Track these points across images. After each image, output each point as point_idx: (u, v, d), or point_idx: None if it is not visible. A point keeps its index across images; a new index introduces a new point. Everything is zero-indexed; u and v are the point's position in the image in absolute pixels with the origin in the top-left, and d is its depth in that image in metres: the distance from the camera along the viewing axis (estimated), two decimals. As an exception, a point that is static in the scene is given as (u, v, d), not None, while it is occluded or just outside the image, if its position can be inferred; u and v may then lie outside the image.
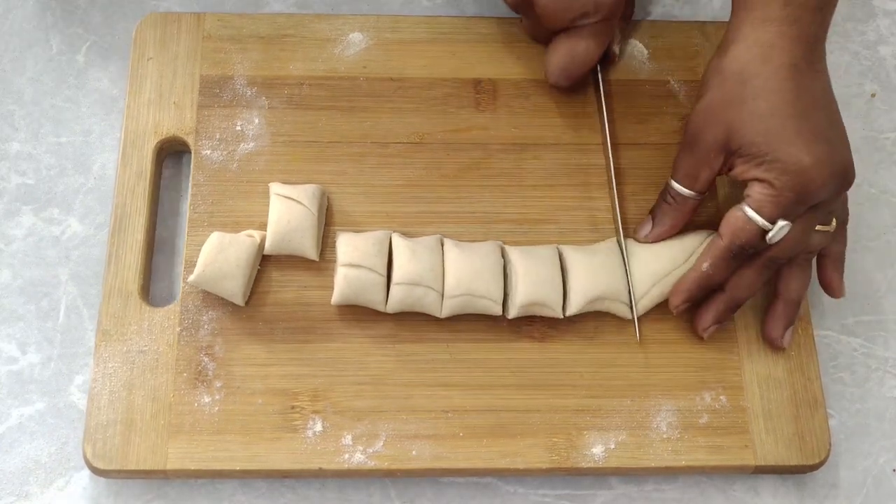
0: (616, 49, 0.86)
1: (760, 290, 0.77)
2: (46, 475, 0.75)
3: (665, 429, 0.75)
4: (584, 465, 0.74)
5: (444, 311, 0.76)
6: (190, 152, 0.82)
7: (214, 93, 0.84)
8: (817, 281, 0.81)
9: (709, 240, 0.77)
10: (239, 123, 0.83)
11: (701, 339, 0.78)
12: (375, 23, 0.87)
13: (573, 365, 0.77)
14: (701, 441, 0.75)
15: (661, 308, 0.78)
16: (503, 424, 0.75)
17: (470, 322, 0.77)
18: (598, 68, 0.85)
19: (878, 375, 0.81)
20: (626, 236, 0.80)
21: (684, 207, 0.78)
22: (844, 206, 0.77)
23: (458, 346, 0.77)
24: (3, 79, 0.87)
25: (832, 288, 0.79)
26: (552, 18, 0.81)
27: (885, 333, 0.82)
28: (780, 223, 0.72)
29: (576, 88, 0.85)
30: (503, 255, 0.78)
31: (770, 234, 0.72)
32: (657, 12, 0.93)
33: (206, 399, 0.74)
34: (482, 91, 0.85)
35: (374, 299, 0.75)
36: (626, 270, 0.78)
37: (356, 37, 0.86)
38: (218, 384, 0.75)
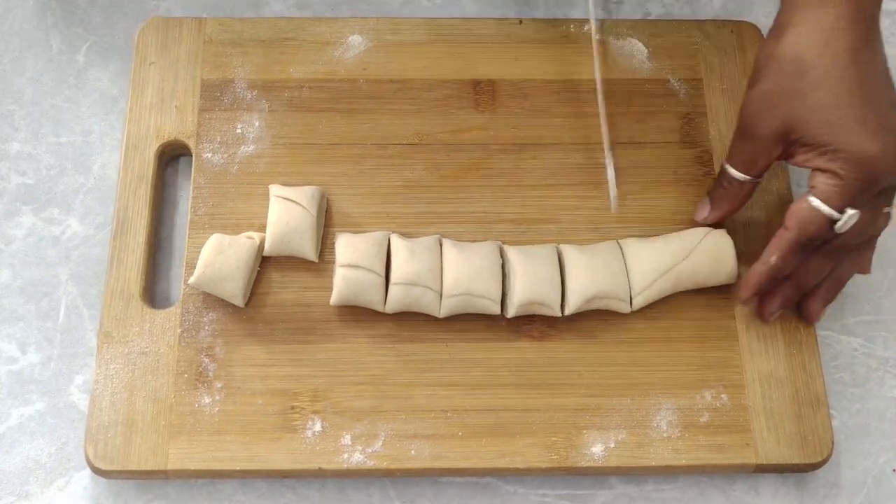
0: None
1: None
2: (46, 475, 0.75)
3: (665, 428, 0.75)
4: (583, 464, 0.74)
5: (443, 311, 0.76)
6: (191, 155, 0.83)
7: (215, 96, 0.84)
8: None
9: (705, 237, 0.77)
10: (239, 126, 0.83)
11: (766, 322, 0.78)
12: (375, 25, 0.88)
13: (572, 364, 0.77)
14: (702, 440, 0.75)
15: (660, 306, 0.78)
16: (502, 424, 0.75)
17: (469, 322, 0.77)
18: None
19: (878, 375, 0.81)
20: (624, 236, 0.80)
21: (741, 191, 0.78)
22: None
23: (458, 346, 0.77)
24: (3, 79, 0.87)
25: (863, 265, 0.79)
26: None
27: (885, 333, 0.82)
28: (849, 212, 0.71)
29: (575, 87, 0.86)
30: (502, 254, 0.78)
31: (839, 224, 0.71)
32: (657, 11, 0.93)
33: (207, 400, 0.75)
34: (481, 92, 0.85)
35: (373, 299, 0.76)
36: (624, 267, 0.78)
37: (356, 39, 0.87)
38: (218, 385, 0.75)
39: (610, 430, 0.75)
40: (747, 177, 0.76)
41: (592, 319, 0.78)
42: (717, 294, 0.79)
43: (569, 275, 0.76)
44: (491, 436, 0.74)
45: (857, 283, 0.83)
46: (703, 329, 0.78)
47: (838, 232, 0.72)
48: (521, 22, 0.88)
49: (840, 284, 0.79)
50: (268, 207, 0.78)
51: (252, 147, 0.83)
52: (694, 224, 0.81)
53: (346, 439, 0.74)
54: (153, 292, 0.80)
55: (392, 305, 0.76)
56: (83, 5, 0.91)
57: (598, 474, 0.76)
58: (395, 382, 0.76)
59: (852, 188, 0.70)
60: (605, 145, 0.81)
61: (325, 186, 0.81)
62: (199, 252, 0.76)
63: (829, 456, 0.75)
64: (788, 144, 0.73)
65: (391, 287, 0.75)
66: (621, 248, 0.78)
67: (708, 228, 0.79)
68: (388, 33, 0.87)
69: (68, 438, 0.76)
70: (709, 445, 0.75)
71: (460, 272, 0.75)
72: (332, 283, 0.77)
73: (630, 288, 0.77)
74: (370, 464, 0.73)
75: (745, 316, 0.79)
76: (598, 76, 0.82)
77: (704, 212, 0.80)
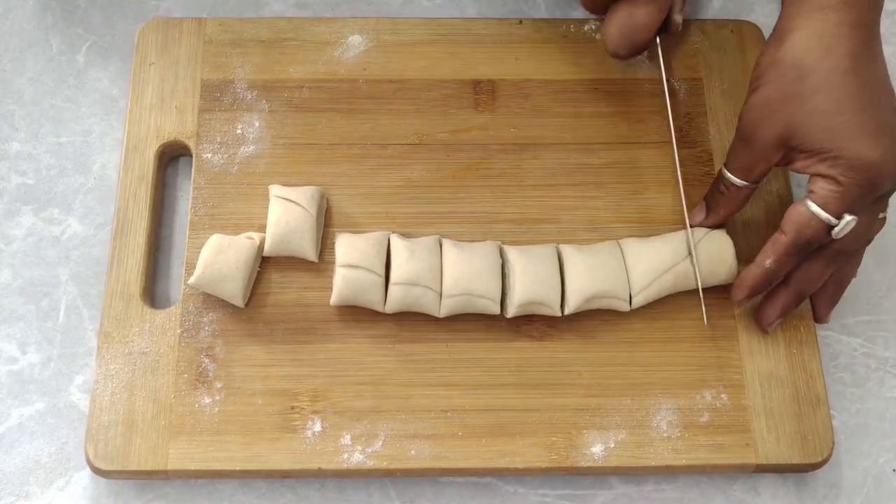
0: (678, 18, 0.83)
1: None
2: (46, 475, 0.75)
3: (665, 428, 0.75)
4: (583, 464, 0.74)
5: (443, 311, 0.76)
6: (191, 156, 0.83)
7: (215, 96, 0.84)
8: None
9: (704, 236, 0.78)
10: (239, 127, 0.83)
11: (765, 332, 0.78)
12: (375, 25, 0.88)
13: (572, 364, 0.77)
14: (702, 440, 0.75)
15: (660, 306, 0.78)
16: (502, 424, 0.75)
17: (469, 322, 0.77)
18: (658, 40, 0.83)
19: (878, 375, 0.81)
20: (624, 236, 0.80)
21: (738, 196, 0.77)
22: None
23: (457, 346, 0.77)
24: (3, 79, 0.87)
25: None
26: None
27: (885, 333, 0.82)
28: (847, 218, 0.71)
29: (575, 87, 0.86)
30: (501, 254, 0.78)
31: (836, 230, 0.71)
32: (656, 12, 0.93)
33: (207, 400, 0.75)
34: (481, 92, 0.85)
35: (373, 300, 0.76)
36: (624, 266, 0.77)
37: (356, 39, 0.87)
38: (218, 385, 0.75)
39: (610, 430, 0.75)
40: (745, 182, 0.76)
41: (592, 319, 0.78)
42: (717, 294, 0.79)
43: (568, 274, 0.76)
44: (491, 436, 0.74)
45: (857, 283, 0.82)
46: (703, 329, 0.78)
47: (835, 237, 0.72)
48: (521, 22, 0.88)
49: (842, 287, 0.79)
50: (267, 208, 0.78)
51: (252, 147, 0.83)
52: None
53: (346, 439, 0.74)
54: (153, 292, 0.80)
55: (392, 305, 0.76)
56: (83, 5, 0.91)
57: (598, 474, 0.76)
58: (395, 382, 0.76)
59: (852, 194, 0.70)
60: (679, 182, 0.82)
61: (324, 186, 0.81)
62: (199, 252, 0.76)
63: (830, 456, 0.75)
64: (788, 150, 0.73)
65: (391, 287, 0.75)
66: (621, 248, 0.78)
67: (707, 228, 0.79)
68: (388, 33, 0.87)
69: (68, 438, 0.76)
70: (709, 445, 0.75)
71: (460, 272, 0.75)
72: (331, 283, 0.77)
73: (630, 287, 0.77)
74: (370, 464, 0.73)
75: (746, 316, 0.79)
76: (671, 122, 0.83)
77: (700, 216, 0.79)
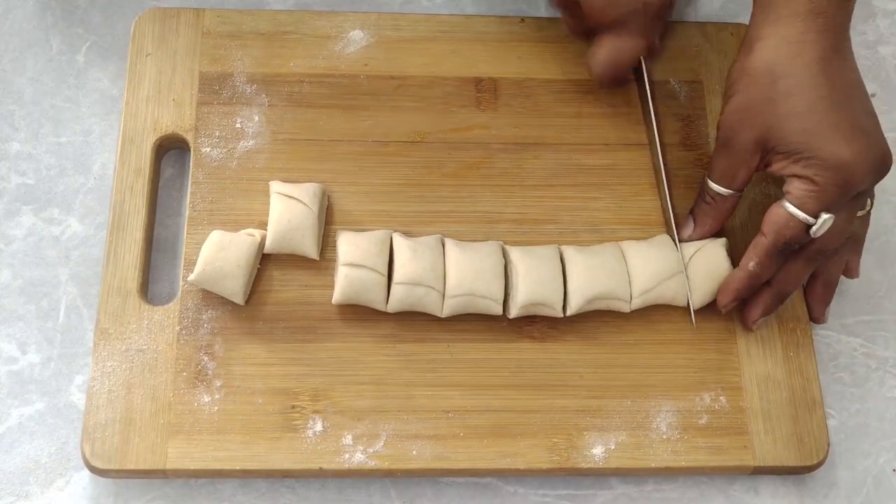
0: (658, 42, 0.84)
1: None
2: (46, 475, 0.75)
3: (665, 429, 0.75)
4: (584, 465, 0.74)
5: (445, 311, 0.76)
6: (189, 149, 0.82)
7: (214, 90, 0.84)
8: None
9: (693, 248, 0.78)
10: (239, 121, 0.83)
11: (749, 330, 0.79)
12: (376, 20, 0.87)
13: (574, 365, 0.77)
14: (700, 441, 0.75)
15: (661, 309, 0.78)
16: (503, 424, 0.75)
17: (471, 322, 0.77)
18: (643, 62, 0.83)
19: (878, 375, 0.81)
20: (625, 237, 0.81)
21: (724, 206, 0.78)
22: (872, 188, 0.77)
23: (459, 346, 0.77)
24: (3, 79, 0.87)
25: (850, 269, 0.81)
26: (599, 15, 0.80)
27: (885, 333, 0.82)
28: (824, 216, 0.72)
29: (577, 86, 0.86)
30: (504, 254, 0.78)
31: (814, 229, 0.72)
32: (657, 12, 0.93)
33: (206, 398, 0.74)
34: (483, 90, 0.85)
35: (375, 299, 0.75)
36: (625, 268, 0.77)
37: (357, 34, 0.86)
38: (218, 383, 0.75)
39: (610, 431, 0.75)
40: (729, 191, 0.77)
41: (594, 321, 0.78)
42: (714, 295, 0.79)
43: (570, 275, 0.76)
44: (492, 436, 0.74)
45: (857, 283, 0.83)
46: (702, 331, 0.78)
47: (814, 236, 0.73)
48: (523, 20, 0.88)
49: (831, 286, 0.80)
50: (267, 204, 0.78)
51: (251, 142, 0.82)
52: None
53: (347, 439, 0.74)
54: (151, 289, 0.79)
55: (394, 305, 0.75)
56: (83, 5, 0.90)
57: (599, 475, 0.76)
58: (397, 382, 0.76)
59: (828, 193, 0.71)
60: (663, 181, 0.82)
61: (325, 183, 0.80)
62: (198, 248, 0.76)
63: (825, 458, 0.75)
64: (766, 153, 0.74)
65: (394, 286, 0.75)
66: (622, 250, 0.78)
67: (699, 242, 0.79)
68: (390, 29, 0.87)
69: (68, 438, 0.76)
70: (707, 447, 0.75)
71: (463, 272, 0.75)
72: (333, 281, 0.77)
73: (631, 289, 0.77)
74: (371, 464, 0.73)
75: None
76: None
77: (689, 229, 0.80)
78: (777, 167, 0.74)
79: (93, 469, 0.73)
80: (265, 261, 0.78)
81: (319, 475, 0.74)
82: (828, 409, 0.78)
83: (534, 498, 0.76)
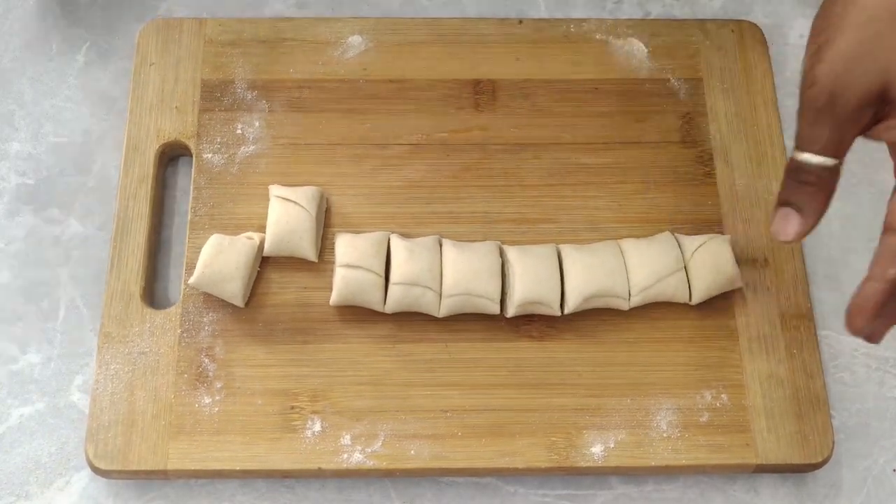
0: None
1: None
2: (46, 475, 0.75)
3: (665, 427, 0.75)
4: (583, 464, 0.74)
5: (443, 311, 0.76)
6: (191, 156, 0.83)
7: (215, 97, 0.84)
8: (817, 282, 0.81)
9: (696, 243, 0.77)
10: (239, 127, 0.83)
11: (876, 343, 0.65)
12: (375, 25, 0.88)
13: (572, 364, 0.77)
14: (701, 440, 0.75)
15: (660, 306, 0.78)
16: (502, 424, 0.75)
17: (469, 322, 0.77)
18: None
19: (878, 375, 0.81)
20: (624, 236, 0.80)
21: (831, 181, 0.63)
22: None
23: (457, 346, 0.77)
24: (3, 79, 0.87)
25: None
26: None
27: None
28: None
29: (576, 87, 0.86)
30: (501, 254, 0.78)
31: None
32: (657, 11, 0.93)
33: (207, 400, 0.75)
34: (481, 92, 0.85)
35: (373, 299, 0.76)
36: (624, 265, 0.77)
37: (356, 39, 0.87)
38: (218, 385, 0.75)
39: (610, 430, 0.75)
40: (835, 160, 0.62)
41: (592, 319, 0.78)
42: (716, 294, 0.79)
43: (568, 274, 0.76)
44: (491, 436, 0.74)
45: (857, 283, 0.82)
46: (703, 329, 0.78)
47: None
48: (521, 22, 0.88)
49: None
50: (268, 208, 0.78)
51: (252, 147, 0.83)
52: (699, 231, 0.80)
53: (346, 439, 0.74)
54: (153, 292, 0.80)
55: (392, 305, 0.76)
56: (83, 5, 0.91)
57: (598, 474, 0.76)
58: (395, 382, 0.76)
59: None
60: None
61: (324, 187, 0.81)
62: (199, 252, 0.76)
63: (830, 456, 0.75)
64: (882, 107, 0.61)
65: (391, 287, 0.75)
66: (621, 248, 0.78)
67: (705, 236, 0.79)
68: (388, 33, 0.87)
69: (68, 438, 0.76)
70: (709, 445, 0.74)
71: (460, 272, 0.75)
72: (331, 283, 0.77)
73: (629, 286, 0.77)
74: (370, 464, 0.73)
75: (745, 315, 0.79)
76: None
77: (793, 226, 0.63)
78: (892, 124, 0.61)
79: (96, 470, 0.73)
80: (264, 264, 0.79)
81: (318, 475, 0.74)
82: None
83: (534, 498, 0.76)
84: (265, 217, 0.78)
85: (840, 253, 0.84)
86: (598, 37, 0.88)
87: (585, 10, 0.93)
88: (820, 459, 0.75)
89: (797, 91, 0.64)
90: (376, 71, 0.86)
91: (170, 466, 0.73)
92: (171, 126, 0.83)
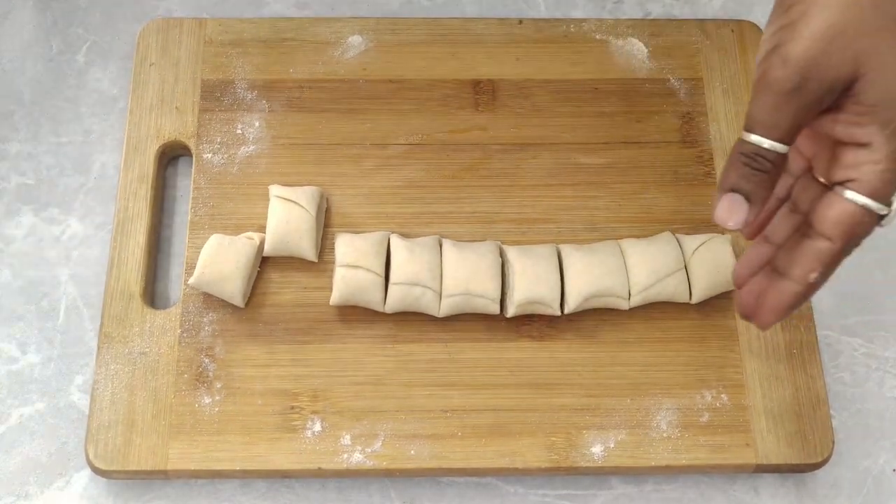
0: None
1: None
2: (46, 475, 0.75)
3: (665, 427, 0.75)
4: (583, 464, 0.74)
5: (442, 311, 0.76)
6: (191, 156, 0.83)
7: (215, 97, 0.84)
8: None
9: (696, 242, 0.77)
10: (239, 127, 0.83)
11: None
12: (374, 25, 0.88)
13: (572, 364, 0.77)
14: (702, 440, 0.75)
15: (660, 306, 0.78)
16: (502, 424, 0.75)
17: (469, 322, 0.77)
18: None
19: (878, 375, 0.81)
20: (624, 236, 0.80)
21: (781, 170, 0.58)
22: None
23: (457, 346, 0.77)
24: (3, 79, 0.87)
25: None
26: None
27: (885, 333, 0.82)
28: None
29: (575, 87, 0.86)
30: (501, 254, 0.78)
31: (888, 218, 0.57)
32: (657, 11, 0.93)
33: (207, 400, 0.75)
34: (481, 91, 0.85)
35: (373, 299, 0.76)
36: (623, 264, 0.77)
37: (355, 39, 0.87)
38: (218, 385, 0.75)
39: (610, 430, 0.75)
40: (786, 147, 0.57)
41: (592, 319, 0.78)
42: (716, 294, 0.79)
43: (568, 273, 0.76)
44: (490, 436, 0.74)
45: (857, 283, 0.83)
46: (703, 329, 0.78)
47: (882, 227, 0.59)
48: (521, 22, 0.88)
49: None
50: (268, 208, 0.78)
51: (252, 147, 0.83)
52: (698, 231, 0.80)
53: (346, 439, 0.74)
54: (153, 293, 0.80)
55: (392, 305, 0.76)
56: (83, 5, 0.91)
57: (598, 474, 0.76)
58: (395, 382, 0.76)
59: None
60: None
61: (324, 187, 0.81)
62: (199, 252, 0.76)
63: (830, 456, 0.75)
64: (839, 99, 0.57)
65: (391, 287, 0.75)
66: (621, 248, 0.78)
67: (705, 235, 0.79)
68: (388, 33, 0.87)
69: (68, 438, 0.76)
70: (709, 445, 0.75)
71: (459, 272, 0.75)
72: (331, 283, 0.77)
73: (629, 286, 0.77)
74: (370, 464, 0.73)
75: (746, 315, 0.79)
76: None
77: (742, 213, 0.58)
78: (846, 120, 0.56)
79: (96, 470, 0.73)
80: (264, 264, 0.79)
81: (318, 475, 0.74)
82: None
83: (534, 498, 0.76)
84: (265, 217, 0.78)
85: (840, 253, 0.84)
86: (598, 37, 0.88)
87: (585, 10, 0.93)
88: (820, 459, 0.75)
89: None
90: (376, 71, 0.86)
91: (170, 466, 0.73)
92: (171, 126, 0.83)
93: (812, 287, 0.60)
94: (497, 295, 0.76)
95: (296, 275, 0.79)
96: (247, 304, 0.78)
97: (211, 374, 0.75)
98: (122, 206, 0.80)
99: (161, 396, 0.75)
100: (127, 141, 0.83)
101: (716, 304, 0.78)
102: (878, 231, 0.83)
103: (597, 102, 0.85)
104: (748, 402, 0.76)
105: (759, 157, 0.57)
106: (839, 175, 0.58)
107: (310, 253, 0.78)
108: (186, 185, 0.83)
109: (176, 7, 0.92)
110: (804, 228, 0.59)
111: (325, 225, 0.80)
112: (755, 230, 0.65)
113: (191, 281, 0.76)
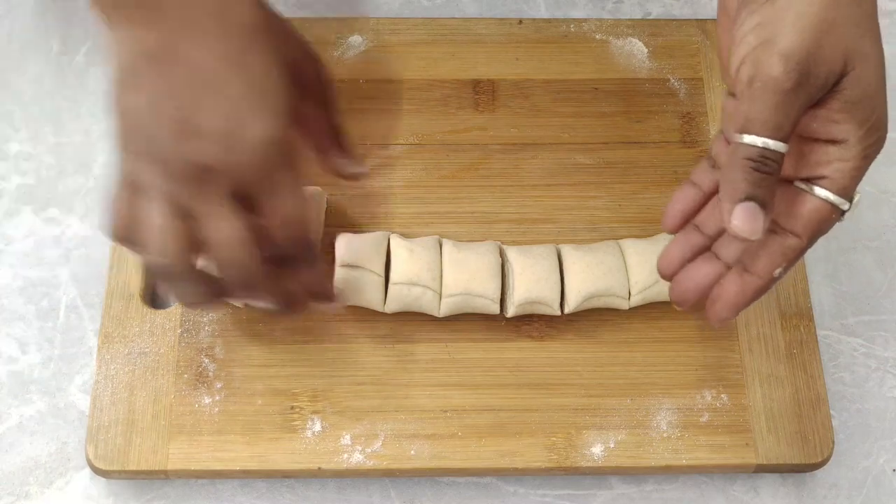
0: None
1: None
2: (46, 475, 0.75)
3: (665, 427, 0.75)
4: (583, 464, 0.74)
5: (442, 311, 0.76)
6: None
7: (216, 96, 0.84)
8: (817, 282, 0.81)
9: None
10: (240, 126, 0.83)
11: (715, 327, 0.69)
12: (375, 25, 0.88)
13: (572, 364, 0.77)
14: (702, 440, 0.75)
15: (660, 306, 0.78)
16: (502, 424, 0.75)
17: (469, 322, 0.77)
18: None
19: (878, 375, 0.81)
20: (624, 236, 0.80)
21: (779, 172, 0.56)
22: None
23: (457, 346, 0.77)
24: (3, 79, 0.87)
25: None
26: None
27: (885, 333, 0.82)
28: (858, 195, 0.57)
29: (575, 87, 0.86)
30: (501, 254, 0.78)
31: (849, 213, 0.58)
32: (657, 11, 0.93)
33: (207, 400, 0.75)
34: (481, 91, 0.85)
35: (373, 299, 0.75)
36: (623, 264, 0.77)
37: (356, 39, 0.87)
38: (218, 385, 0.75)
39: (610, 430, 0.75)
40: (787, 146, 0.55)
41: (592, 319, 0.78)
42: (717, 294, 0.79)
43: (568, 273, 0.76)
44: (490, 436, 0.74)
45: (857, 283, 0.83)
46: (703, 329, 0.78)
47: (841, 221, 0.59)
48: (520, 22, 0.88)
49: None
50: (267, 208, 0.78)
51: (252, 147, 0.83)
52: None
53: (346, 439, 0.74)
54: (153, 292, 0.80)
55: (391, 305, 0.76)
56: (83, 5, 0.91)
57: (598, 474, 0.76)
58: (395, 382, 0.76)
59: (866, 167, 0.56)
60: None
61: (325, 187, 0.80)
62: (199, 252, 0.76)
63: (830, 456, 0.75)
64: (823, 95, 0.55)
65: (391, 287, 0.75)
66: (621, 248, 0.78)
67: None
68: (388, 33, 0.87)
69: (68, 438, 0.76)
70: (709, 445, 0.74)
71: (459, 272, 0.75)
72: (331, 283, 0.77)
73: (629, 285, 0.77)
74: (370, 464, 0.73)
75: (745, 315, 0.79)
76: None
77: (761, 221, 0.55)
78: (824, 117, 0.55)
79: (96, 470, 0.73)
80: (265, 263, 0.79)
81: (318, 475, 0.74)
82: (828, 408, 0.78)
83: (534, 498, 0.76)
84: (265, 217, 0.78)
85: (840, 253, 0.84)
86: (598, 37, 0.88)
87: (585, 10, 0.93)
88: (820, 459, 0.75)
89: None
90: (376, 71, 0.86)
91: (170, 467, 0.72)
92: (171, 126, 0.83)
93: (774, 281, 0.60)
94: (497, 295, 0.76)
95: (296, 275, 0.79)
96: (246, 304, 0.77)
97: (211, 374, 0.75)
98: (123, 205, 0.80)
99: (161, 396, 0.75)
100: (127, 141, 0.82)
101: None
102: (878, 231, 0.84)
103: (596, 102, 0.85)
104: (748, 402, 0.76)
105: (768, 160, 0.55)
106: (808, 171, 0.57)
107: (310, 253, 0.78)
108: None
109: (176, 7, 0.91)
110: (771, 224, 0.58)
111: (325, 225, 0.80)
112: (679, 224, 0.65)
113: (191, 281, 0.76)
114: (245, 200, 0.59)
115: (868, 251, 0.84)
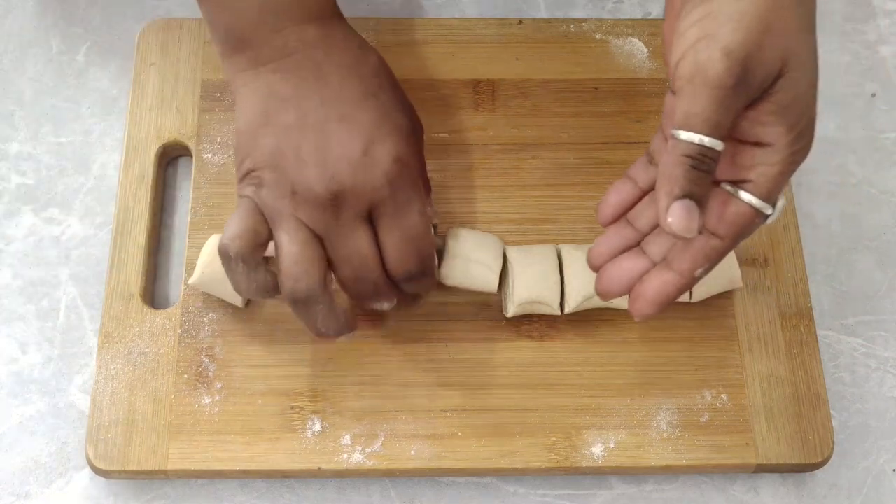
0: None
1: None
2: (46, 475, 0.75)
3: (665, 427, 0.75)
4: (583, 464, 0.74)
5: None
6: (191, 156, 0.83)
7: (216, 97, 0.84)
8: (817, 282, 0.81)
9: None
10: (240, 127, 0.83)
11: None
12: (374, 25, 0.88)
13: (572, 364, 0.77)
14: (702, 440, 0.75)
15: (660, 307, 0.78)
16: (502, 424, 0.75)
17: (469, 322, 0.77)
18: None
19: (878, 375, 0.81)
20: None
21: (715, 171, 0.56)
22: None
23: (457, 346, 0.77)
24: (3, 79, 0.87)
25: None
26: None
27: (885, 333, 0.82)
28: (782, 201, 0.58)
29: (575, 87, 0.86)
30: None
31: (772, 218, 0.58)
32: (657, 11, 0.93)
33: (207, 400, 0.75)
34: (481, 91, 0.85)
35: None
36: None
37: (356, 39, 0.87)
38: (218, 385, 0.75)
39: (610, 430, 0.75)
40: (723, 144, 0.55)
41: (592, 319, 0.78)
42: (716, 294, 0.79)
43: (568, 273, 0.76)
44: (490, 436, 0.74)
45: (857, 284, 0.83)
46: (703, 329, 0.78)
47: (765, 224, 0.59)
48: (521, 22, 0.88)
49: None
50: (267, 208, 0.78)
51: (252, 147, 0.83)
52: None
53: (346, 439, 0.74)
54: (153, 293, 0.80)
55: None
56: (83, 5, 0.91)
57: (598, 474, 0.76)
58: (395, 382, 0.76)
59: (791, 172, 0.56)
60: None
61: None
62: (199, 252, 0.76)
63: (830, 456, 0.75)
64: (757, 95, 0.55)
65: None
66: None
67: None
68: (388, 33, 0.87)
69: (68, 438, 0.76)
70: (709, 445, 0.74)
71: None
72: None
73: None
74: (370, 464, 0.73)
75: (745, 315, 0.79)
76: None
77: (697, 219, 0.55)
78: (755, 119, 0.55)
79: (96, 470, 0.73)
80: (265, 263, 0.79)
81: (318, 475, 0.74)
82: (828, 408, 0.78)
83: (534, 498, 0.76)
84: (265, 217, 0.78)
85: (840, 253, 0.84)
86: (598, 37, 0.88)
87: (585, 10, 0.93)
88: (820, 459, 0.75)
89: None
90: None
91: (170, 466, 0.72)
92: (171, 126, 0.83)
93: (695, 281, 0.60)
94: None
95: (296, 275, 0.79)
96: (247, 305, 0.77)
97: (211, 374, 0.75)
98: (122, 206, 0.80)
99: (161, 396, 0.75)
100: (127, 141, 0.82)
101: (716, 303, 0.78)
102: (878, 231, 0.84)
103: (597, 102, 0.85)
104: (748, 401, 0.76)
105: (706, 158, 0.54)
106: (734, 174, 0.57)
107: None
108: (186, 185, 0.83)
109: (176, 7, 0.91)
110: None
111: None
112: (613, 217, 0.66)
113: (191, 281, 0.76)
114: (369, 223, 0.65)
115: (868, 251, 0.84)
